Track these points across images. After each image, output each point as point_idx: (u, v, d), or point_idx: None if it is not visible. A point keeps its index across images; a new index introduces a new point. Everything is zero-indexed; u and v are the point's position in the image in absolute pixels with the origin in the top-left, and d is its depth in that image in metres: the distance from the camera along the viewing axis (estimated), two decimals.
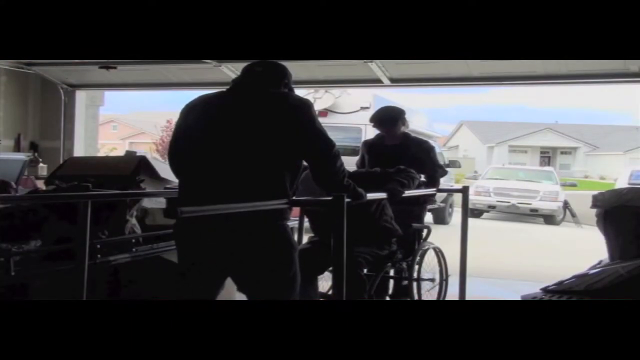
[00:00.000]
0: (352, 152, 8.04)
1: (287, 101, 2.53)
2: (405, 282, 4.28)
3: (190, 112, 2.60)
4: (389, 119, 4.46)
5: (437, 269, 4.62)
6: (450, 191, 12.90)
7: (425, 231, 4.55)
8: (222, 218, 2.33)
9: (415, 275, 4.30)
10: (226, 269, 2.57)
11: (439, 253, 4.64)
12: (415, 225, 4.39)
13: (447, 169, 14.47)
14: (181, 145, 2.60)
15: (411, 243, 4.36)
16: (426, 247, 4.49)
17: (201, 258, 2.52)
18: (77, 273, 2.85)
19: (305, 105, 2.52)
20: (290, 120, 2.46)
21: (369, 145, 4.65)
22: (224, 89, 2.68)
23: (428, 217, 12.72)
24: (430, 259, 4.55)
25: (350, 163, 3.95)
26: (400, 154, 4.30)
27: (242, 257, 2.47)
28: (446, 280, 4.64)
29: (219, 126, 2.49)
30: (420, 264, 4.37)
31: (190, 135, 2.56)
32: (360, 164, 4.62)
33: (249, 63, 2.68)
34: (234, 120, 2.48)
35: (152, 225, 3.75)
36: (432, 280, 4.54)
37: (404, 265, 4.28)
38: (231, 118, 2.49)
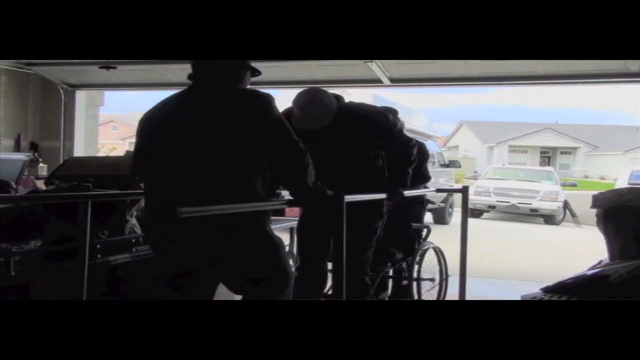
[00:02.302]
0: None
1: (245, 96, 2.45)
2: (405, 282, 4.28)
3: (150, 121, 2.52)
4: None
5: (437, 268, 4.63)
6: (450, 191, 12.94)
7: (425, 231, 4.55)
8: (198, 225, 2.26)
9: (415, 275, 4.30)
10: (213, 278, 2.52)
11: (438, 253, 4.64)
12: (415, 225, 4.39)
13: (448, 169, 14.53)
14: (147, 154, 2.51)
15: (411, 243, 4.37)
16: (426, 247, 4.49)
17: (185, 267, 2.47)
18: (77, 273, 2.85)
19: (263, 99, 2.43)
20: (248, 116, 2.38)
21: None
22: (181, 90, 2.58)
23: (428, 217, 12.77)
24: (430, 258, 4.56)
25: None
26: None
27: (224, 265, 2.42)
28: (446, 280, 4.64)
29: (181, 131, 2.41)
30: (420, 263, 4.37)
31: (155, 144, 2.47)
32: None
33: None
34: (197, 124, 2.40)
35: None
36: (432, 280, 4.54)
37: (404, 265, 4.28)
38: (193, 122, 2.41)
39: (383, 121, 3.54)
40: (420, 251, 4.39)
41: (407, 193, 3.70)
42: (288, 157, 2.47)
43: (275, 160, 2.46)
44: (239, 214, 2.33)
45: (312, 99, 3.35)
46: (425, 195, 4.55)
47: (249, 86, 2.63)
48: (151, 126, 2.51)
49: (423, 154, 4.54)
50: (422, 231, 4.53)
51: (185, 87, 2.58)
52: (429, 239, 4.58)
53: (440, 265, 4.65)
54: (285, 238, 6.14)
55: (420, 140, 4.78)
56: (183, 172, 2.37)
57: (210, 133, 2.36)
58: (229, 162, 2.35)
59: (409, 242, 4.35)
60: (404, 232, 4.26)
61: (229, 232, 2.35)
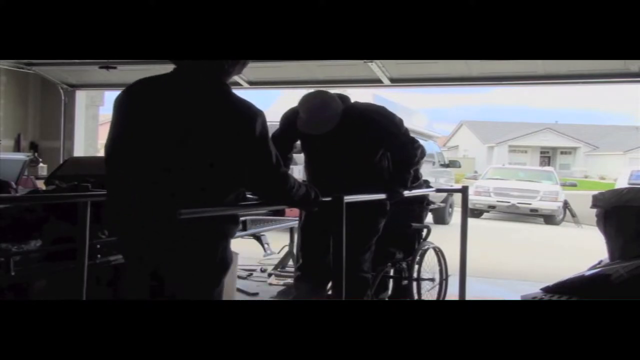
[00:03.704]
0: None
1: (235, 106, 2.25)
2: (406, 282, 4.28)
3: (129, 105, 2.35)
4: None
5: (437, 268, 4.63)
6: (450, 191, 12.92)
7: (425, 231, 4.56)
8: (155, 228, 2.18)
9: (415, 275, 4.30)
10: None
11: (439, 253, 4.65)
12: (415, 225, 4.40)
13: (448, 169, 14.53)
14: (123, 140, 2.32)
15: (411, 243, 4.37)
16: (426, 247, 4.50)
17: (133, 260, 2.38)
18: (77, 273, 2.85)
19: (252, 114, 2.23)
20: (233, 129, 2.20)
21: None
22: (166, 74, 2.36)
23: (428, 217, 12.73)
24: (430, 258, 4.56)
25: None
26: None
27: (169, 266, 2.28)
28: (446, 280, 4.65)
29: (161, 125, 2.23)
30: (420, 263, 4.37)
31: (132, 135, 2.29)
32: None
33: None
34: (180, 120, 2.22)
35: None
36: (432, 280, 4.55)
37: (404, 265, 4.29)
38: (177, 117, 2.21)
39: (389, 123, 3.54)
40: (420, 251, 4.39)
41: (408, 193, 3.70)
42: (267, 182, 2.32)
43: (253, 183, 2.32)
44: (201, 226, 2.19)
45: (320, 104, 3.34)
46: (427, 195, 4.55)
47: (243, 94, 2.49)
48: (129, 113, 2.33)
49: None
50: (422, 231, 4.53)
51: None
52: (429, 239, 4.58)
53: (440, 265, 4.65)
54: (285, 238, 6.19)
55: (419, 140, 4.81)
56: (158, 169, 2.22)
57: (192, 133, 2.20)
58: (204, 168, 2.20)
59: (409, 242, 4.36)
60: (404, 232, 4.27)
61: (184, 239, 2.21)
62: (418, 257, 4.35)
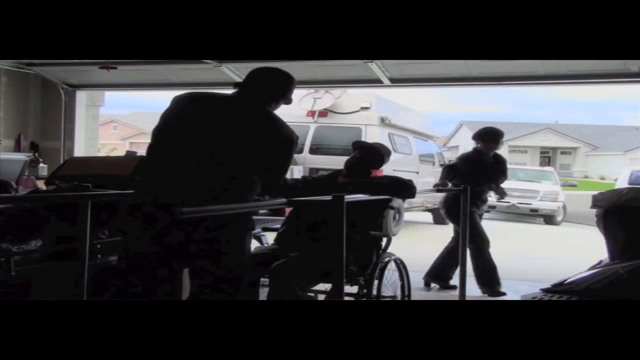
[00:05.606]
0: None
1: (277, 130, 2.60)
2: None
3: (186, 103, 2.61)
4: (498, 136, 5.71)
5: (398, 284, 3.96)
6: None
7: (384, 240, 3.89)
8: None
9: (375, 292, 3.66)
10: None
11: (400, 266, 3.96)
12: (373, 233, 3.72)
13: None
14: (167, 133, 2.61)
15: (369, 255, 3.71)
16: (387, 259, 3.82)
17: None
18: (77, 273, 2.85)
19: (290, 142, 2.63)
20: (271, 148, 2.57)
21: (467, 158, 5.81)
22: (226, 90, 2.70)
23: (428, 217, 12.66)
24: (390, 273, 3.89)
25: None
26: (494, 167, 5.79)
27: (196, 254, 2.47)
28: (409, 297, 4.03)
29: (208, 128, 2.53)
30: (380, 278, 3.71)
31: (179, 126, 2.58)
32: (452, 175, 5.54)
33: (256, 68, 2.73)
34: (224, 128, 2.52)
35: None
36: (394, 298, 3.91)
37: (361, 280, 3.65)
38: (222, 124, 2.53)
39: None
40: (380, 264, 3.72)
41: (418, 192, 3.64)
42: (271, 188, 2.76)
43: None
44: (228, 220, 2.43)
45: None
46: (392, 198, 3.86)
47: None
48: (187, 110, 2.59)
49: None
50: (380, 240, 3.83)
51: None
52: (389, 250, 3.89)
53: (402, 280, 3.96)
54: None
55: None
56: (193, 166, 2.46)
57: (234, 138, 2.50)
58: (237, 172, 2.49)
59: (365, 252, 3.66)
60: (357, 240, 3.52)
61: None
62: (378, 272, 3.68)
